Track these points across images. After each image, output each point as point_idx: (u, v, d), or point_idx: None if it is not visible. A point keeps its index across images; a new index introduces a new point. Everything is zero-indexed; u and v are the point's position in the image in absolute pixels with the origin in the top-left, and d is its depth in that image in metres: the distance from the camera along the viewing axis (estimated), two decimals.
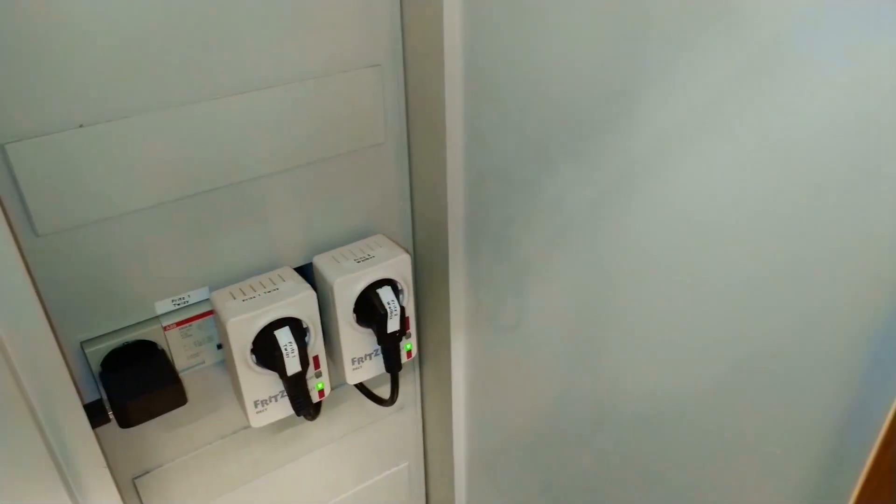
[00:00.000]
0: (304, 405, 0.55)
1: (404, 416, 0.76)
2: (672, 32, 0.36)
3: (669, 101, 0.38)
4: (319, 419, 0.67)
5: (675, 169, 0.39)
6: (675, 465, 0.49)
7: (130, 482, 0.58)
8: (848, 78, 0.30)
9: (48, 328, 0.45)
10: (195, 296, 0.54)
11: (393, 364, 0.59)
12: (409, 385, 0.74)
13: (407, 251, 0.58)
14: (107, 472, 0.49)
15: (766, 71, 0.33)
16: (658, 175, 0.41)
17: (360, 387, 0.63)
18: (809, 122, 0.32)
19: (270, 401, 0.55)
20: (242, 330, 0.51)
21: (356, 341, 0.58)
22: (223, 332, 0.52)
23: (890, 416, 0.34)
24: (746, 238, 0.37)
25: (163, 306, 0.53)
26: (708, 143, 0.37)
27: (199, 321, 0.55)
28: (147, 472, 0.59)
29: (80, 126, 0.45)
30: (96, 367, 0.51)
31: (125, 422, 0.50)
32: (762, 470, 0.42)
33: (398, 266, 0.57)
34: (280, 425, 0.65)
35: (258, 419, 0.55)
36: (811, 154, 0.33)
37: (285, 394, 0.55)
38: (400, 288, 0.58)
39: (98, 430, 0.50)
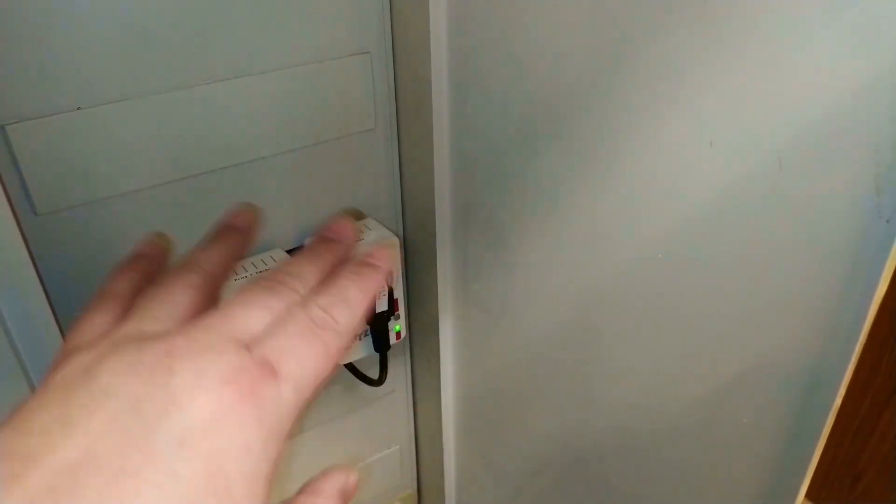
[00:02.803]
0: None
1: (395, 399, 0.77)
2: (646, 18, 0.38)
3: (647, 85, 0.40)
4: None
5: (655, 152, 0.41)
6: (670, 444, 0.50)
7: None
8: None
9: (47, 304, 0.46)
10: None
11: (381, 344, 0.61)
12: (400, 369, 0.76)
13: (396, 234, 0.60)
14: None
15: (736, 58, 0.35)
16: (639, 159, 0.42)
17: (351, 367, 0.65)
18: (773, 104, 0.34)
19: None
20: None
21: None
22: None
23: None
24: (726, 217, 0.39)
25: None
26: (681, 123, 0.39)
27: None
28: None
29: (78, 108, 0.46)
30: None
31: None
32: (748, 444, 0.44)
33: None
34: None
35: None
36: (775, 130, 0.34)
37: None
38: None
39: None
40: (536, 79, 0.47)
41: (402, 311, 0.63)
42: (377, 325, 0.60)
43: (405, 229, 0.67)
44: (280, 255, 0.58)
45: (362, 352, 0.62)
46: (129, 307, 0.24)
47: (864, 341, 0.34)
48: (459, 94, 0.54)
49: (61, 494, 0.17)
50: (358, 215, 0.63)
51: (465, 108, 0.54)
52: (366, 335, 0.61)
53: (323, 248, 0.28)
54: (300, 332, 0.23)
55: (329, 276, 0.26)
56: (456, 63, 0.53)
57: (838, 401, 0.35)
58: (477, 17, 0.49)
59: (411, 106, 0.58)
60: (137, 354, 0.20)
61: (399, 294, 0.61)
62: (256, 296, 0.23)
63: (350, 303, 0.25)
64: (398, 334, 0.63)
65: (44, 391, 0.20)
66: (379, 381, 0.64)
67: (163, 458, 0.18)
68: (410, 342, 0.75)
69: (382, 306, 0.58)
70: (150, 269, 0.28)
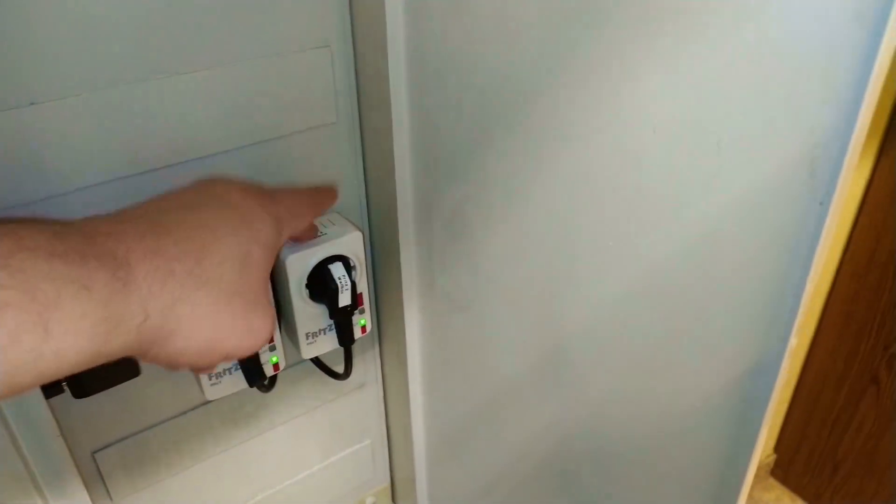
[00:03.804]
0: (257, 377, 0.57)
1: (366, 393, 0.77)
2: (591, 12, 0.38)
3: (593, 75, 0.40)
4: (280, 396, 0.69)
5: (602, 139, 0.41)
6: (634, 437, 0.50)
7: (90, 456, 0.59)
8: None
9: None
10: None
11: (345, 338, 0.61)
12: (370, 363, 0.76)
13: (359, 229, 0.59)
14: (61, 440, 0.51)
15: (676, 44, 0.35)
16: (588, 147, 0.42)
17: (317, 362, 0.65)
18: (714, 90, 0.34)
19: (224, 373, 0.57)
20: None
21: (309, 316, 0.59)
22: None
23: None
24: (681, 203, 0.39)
25: None
26: (626, 111, 0.39)
27: None
28: (107, 447, 0.60)
29: (32, 104, 0.46)
30: None
31: (79, 392, 0.51)
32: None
33: (350, 243, 0.58)
34: (241, 401, 0.67)
35: (213, 391, 0.57)
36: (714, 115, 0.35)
37: (239, 367, 0.57)
38: (352, 264, 0.59)
39: (55, 402, 0.52)
40: (488, 72, 0.47)
41: (367, 305, 0.63)
42: (341, 319, 0.60)
43: (371, 223, 0.67)
44: None
45: (327, 346, 0.62)
46: None
47: (799, 329, 0.34)
48: (417, 87, 0.54)
49: (159, 219, 0.34)
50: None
51: (424, 101, 0.54)
52: (330, 330, 0.61)
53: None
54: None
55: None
56: (413, 57, 0.53)
57: (780, 383, 0.35)
58: (432, 11, 0.49)
59: (372, 100, 0.58)
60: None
61: (363, 288, 0.61)
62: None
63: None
64: (364, 328, 0.63)
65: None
66: (344, 375, 0.64)
67: (218, 208, 0.37)
68: (380, 336, 0.75)
69: (346, 301, 0.58)
70: None
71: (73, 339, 0.27)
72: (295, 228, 0.44)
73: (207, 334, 0.34)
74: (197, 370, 0.38)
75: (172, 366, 0.35)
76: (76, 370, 0.29)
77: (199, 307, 0.33)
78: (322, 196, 0.50)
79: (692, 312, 0.40)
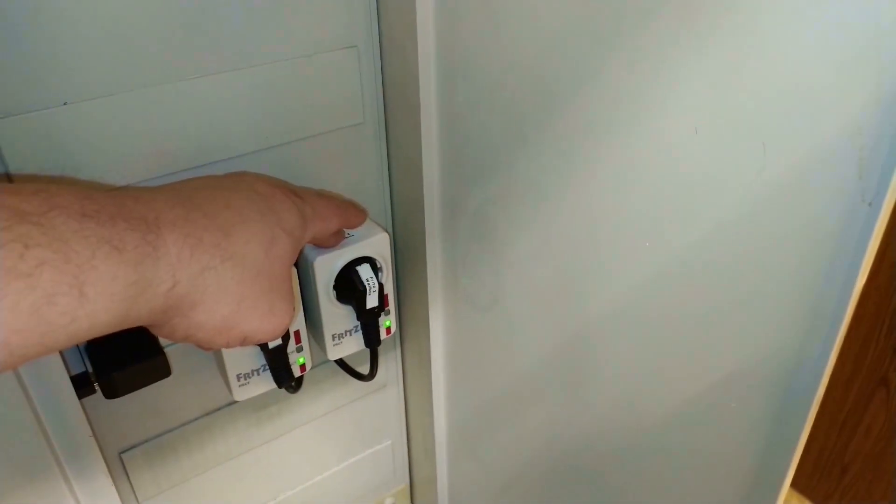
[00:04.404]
0: (286, 378, 0.57)
1: (387, 394, 0.77)
2: (631, 6, 0.38)
3: (632, 73, 0.40)
4: (303, 396, 0.69)
5: (641, 140, 0.41)
6: (659, 436, 0.50)
7: (117, 457, 0.59)
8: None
9: None
10: None
11: (372, 339, 0.61)
12: (391, 364, 0.76)
13: (385, 230, 0.60)
14: (93, 440, 0.51)
15: (719, 43, 0.35)
16: (626, 147, 0.42)
17: (342, 363, 0.65)
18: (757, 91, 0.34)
19: (253, 374, 0.57)
20: None
21: (336, 318, 0.59)
22: None
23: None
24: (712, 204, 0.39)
25: None
26: (666, 110, 0.39)
27: None
28: (133, 447, 0.60)
29: (65, 104, 0.46)
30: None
31: (110, 392, 0.51)
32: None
33: (377, 244, 0.59)
34: (265, 402, 0.67)
35: (241, 392, 0.57)
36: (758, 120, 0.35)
37: (267, 368, 0.57)
38: (379, 265, 0.59)
39: (85, 403, 0.52)
40: (523, 70, 0.47)
41: (392, 306, 0.63)
42: (368, 321, 0.60)
43: (395, 224, 0.67)
44: None
45: (353, 347, 0.62)
46: None
47: (845, 331, 0.34)
48: (447, 87, 0.54)
49: (189, 194, 0.35)
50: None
51: (453, 101, 0.54)
52: (356, 331, 0.61)
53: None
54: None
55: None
56: (443, 56, 0.53)
57: (822, 388, 0.35)
58: (463, 9, 0.50)
59: (399, 100, 0.58)
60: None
61: (389, 289, 0.61)
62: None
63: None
64: (388, 329, 0.63)
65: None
66: (369, 377, 0.64)
67: (247, 193, 0.38)
68: (401, 337, 0.75)
69: (373, 302, 0.58)
70: None
71: (105, 302, 0.27)
72: (319, 230, 0.45)
73: (230, 309, 0.34)
74: (210, 348, 0.37)
75: (188, 339, 0.35)
76: (103, 333, 0.28)
77: (225, 279, 0.33)
78: (350, 211, 0.51)
79: (730, 314, 0.40)
